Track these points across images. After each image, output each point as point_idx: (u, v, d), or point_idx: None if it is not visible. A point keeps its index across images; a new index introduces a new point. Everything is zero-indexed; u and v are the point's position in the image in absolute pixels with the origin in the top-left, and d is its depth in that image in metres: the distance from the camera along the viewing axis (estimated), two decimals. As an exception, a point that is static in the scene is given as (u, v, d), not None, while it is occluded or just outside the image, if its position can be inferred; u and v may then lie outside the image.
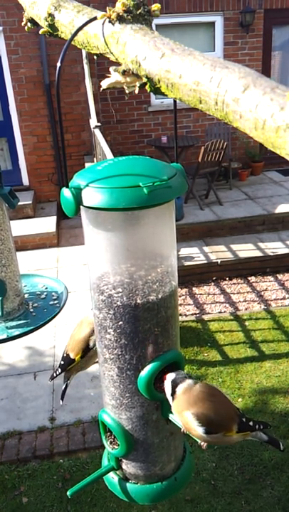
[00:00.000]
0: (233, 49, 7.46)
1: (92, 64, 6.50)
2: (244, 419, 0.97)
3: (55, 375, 1.33)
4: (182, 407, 0.95)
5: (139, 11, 0.76)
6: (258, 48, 7.55)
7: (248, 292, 5.34)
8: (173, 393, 0.95)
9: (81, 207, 0.86)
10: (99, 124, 5.23)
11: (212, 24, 7.33)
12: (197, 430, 0.94)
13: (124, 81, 0.78)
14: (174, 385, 0.95)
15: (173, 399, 0.96)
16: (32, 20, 1.07)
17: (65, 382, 1.35)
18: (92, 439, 3.32)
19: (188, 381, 0.96)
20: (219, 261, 5.57)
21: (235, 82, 0.57)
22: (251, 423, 0.98)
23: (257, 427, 0.98)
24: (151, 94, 5.00)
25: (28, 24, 1.09)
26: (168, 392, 0.96)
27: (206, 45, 7.38)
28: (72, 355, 1.27)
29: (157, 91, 0.71)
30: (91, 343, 1.24)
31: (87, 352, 1.26)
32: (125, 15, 0.76)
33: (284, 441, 3.30)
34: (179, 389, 0.95)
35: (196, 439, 0.97)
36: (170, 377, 0.96)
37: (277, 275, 5.63)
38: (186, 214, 6.32)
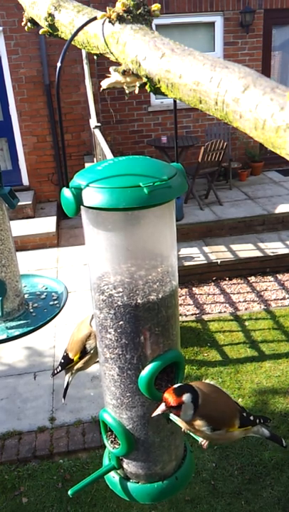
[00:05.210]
0: (233, 49, 7.46)
1: (92, 64, 6.50)
2: (245, 414, 0.98)
3: (55, 372, 1.34)
4: None
5: (139, 11, 0.76)
6: (257, 48, 7.55)
7: (248, 292, 5.34)
8: (195, 411, 0.93)
9: (81, 207, 0.86)
10: (99, 124, 5.23)
11: (212, 24, 7.33)
12: (204, 430, 0.94)
13: (124, 81, 0.78)
14: (196, 401, 0.93)
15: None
16: (32, 20, 1.07)
17: (66, 381, 1.36)
18: (92, 439, 3.32)
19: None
20: (219, 261, 5.57)
21: (235, 82, 0.57)
22: (252, 417, 0.98)
23: (258, 421, 0.98)
24: (151, 94, 4.99)
25: (28, 24, 1.09)
26: (190, 412, 0.93)
27: (206, 45, 7.38)
28: (70, 355, 1.28)
29: (157, 91, 0.71)
30: (88, 347, 1.25)
31: (85, 354, 1.26)
32: (125, 15, 0.76)
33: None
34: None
35: (198, 438, 0.97)
36: (188, 398, 0.93)
37: (277, 275, 5.63)
38: (186, 214, 6.32)
